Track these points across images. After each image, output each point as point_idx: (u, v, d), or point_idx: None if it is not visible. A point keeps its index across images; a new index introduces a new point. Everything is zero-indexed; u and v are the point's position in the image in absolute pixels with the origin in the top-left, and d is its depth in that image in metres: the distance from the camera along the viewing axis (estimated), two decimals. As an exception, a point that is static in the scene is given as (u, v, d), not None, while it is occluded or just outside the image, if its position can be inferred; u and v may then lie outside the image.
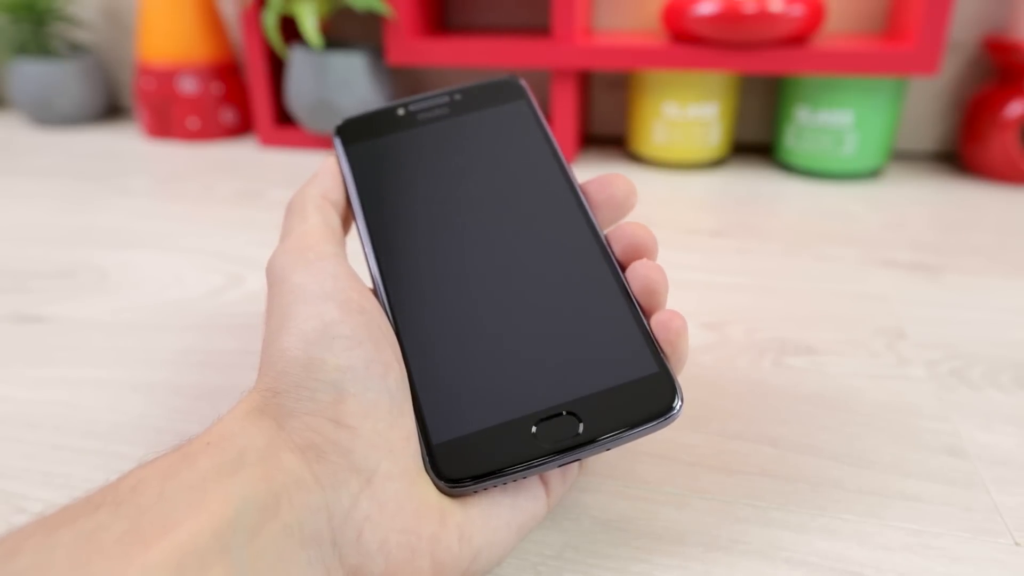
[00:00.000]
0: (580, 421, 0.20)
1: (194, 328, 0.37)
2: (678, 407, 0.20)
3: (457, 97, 0.28)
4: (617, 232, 0.24)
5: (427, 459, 0.20)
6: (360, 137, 0.27)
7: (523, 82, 0.28)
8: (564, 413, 0.20)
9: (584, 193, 0.25)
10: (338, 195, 0.26)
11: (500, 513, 0.20)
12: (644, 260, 0.23)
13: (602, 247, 0.23)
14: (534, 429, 0.20)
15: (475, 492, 0.20)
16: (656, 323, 0.22)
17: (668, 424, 0.20)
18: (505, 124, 0.27)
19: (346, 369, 0.19)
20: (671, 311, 0.22)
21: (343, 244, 0.25)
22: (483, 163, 0.26)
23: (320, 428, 0.19)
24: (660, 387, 0.21)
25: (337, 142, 0.27)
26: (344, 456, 0.19)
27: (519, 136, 0.27)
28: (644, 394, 0.20)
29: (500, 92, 0.28)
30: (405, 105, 0.28)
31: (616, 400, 0.20)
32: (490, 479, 0.20)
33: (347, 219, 0.27)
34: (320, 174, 0.26)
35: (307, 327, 0.20)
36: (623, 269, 0.23)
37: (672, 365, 0.21)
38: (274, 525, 0.17)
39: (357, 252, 0.25)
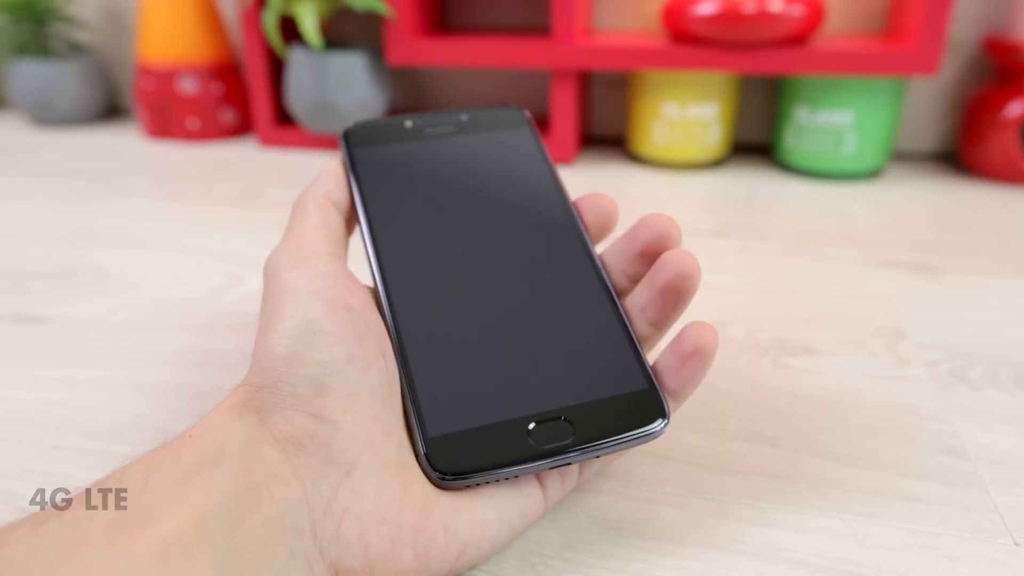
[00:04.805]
0: (573, 427, 0.21)
1: (194, 328, 0.37)
2: (661, 425, 0.21)
3: (464, 118, 0.29)
4: (644, 222, 0.24)
5: (422, 451, 0.20)
6: (366, 142, 0.28)
7: (527, 112, 0.30)
8: (560, 418, 0.21)
9: (578, 213, 0.27)
10: (341, 196, 0.26)
11: (490, 508, 0.20)
12: (676, 249, 0.23)
13: (596, 267, 0.25)
14: (529, 430, 0.21)
15: (467, 487, 0.20)
16: (688, 330, 0.22)
17: (653, 439, 0.21)
18: (509, 147, 0.28)
19: (326, 364, 0.20)
20: (702, 323, 0.22)
21: (342, 244, 0.25)
22: (486, 178, 0.27)
23: (300, 422, 0.19)
24: (648, 404, 0.22)
25: (343, 144, 0.28)
26: (323, 449, 0.19)
27: (521, 159, 0.28)
28: (633, 408, 0.22)
29: (505, 118, 0.30)
30: (413, 119, 0.29)
31: (607, 411, 0.21)
32: (482, 475, 0.20)
33: (350, 220, 0.27)
34: (323, 175, 0.26)
35: (291, 323, 0.20)
36: (618, 288, 0.25)
37: (694, 369, 0.22)
38: (256, 518, 0.17)
39: (359, 254, 0.25)
